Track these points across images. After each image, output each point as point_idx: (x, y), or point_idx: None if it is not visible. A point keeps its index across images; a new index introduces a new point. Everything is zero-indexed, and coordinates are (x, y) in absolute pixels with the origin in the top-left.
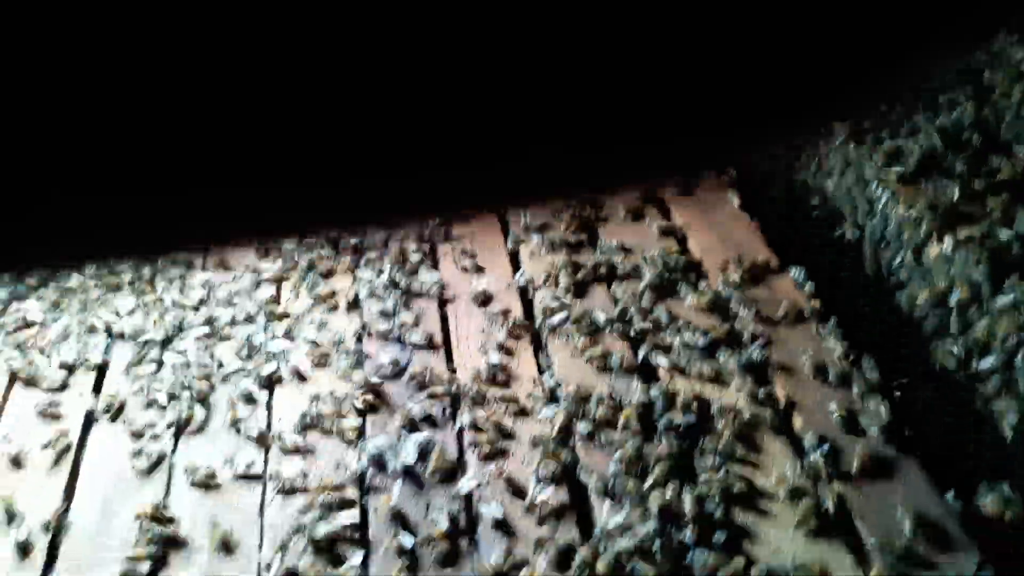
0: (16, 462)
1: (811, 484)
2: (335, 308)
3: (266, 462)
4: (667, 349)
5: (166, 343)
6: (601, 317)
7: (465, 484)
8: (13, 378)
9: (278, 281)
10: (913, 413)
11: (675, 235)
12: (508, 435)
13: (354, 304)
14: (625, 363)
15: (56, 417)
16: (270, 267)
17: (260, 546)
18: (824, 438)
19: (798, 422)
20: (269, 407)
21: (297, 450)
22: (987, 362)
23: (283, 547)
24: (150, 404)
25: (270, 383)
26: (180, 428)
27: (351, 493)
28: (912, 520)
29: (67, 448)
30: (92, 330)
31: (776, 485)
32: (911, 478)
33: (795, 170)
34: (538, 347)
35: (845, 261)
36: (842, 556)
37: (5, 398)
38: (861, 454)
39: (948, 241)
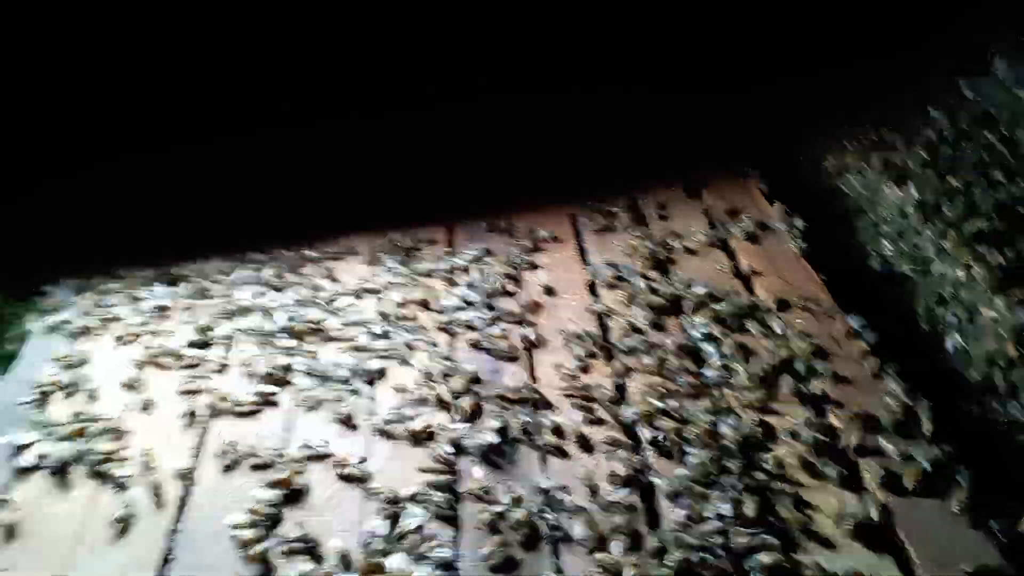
0: (155, 425)
1: (863, 502)
2: (426, 311)
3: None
4: (731, 374)
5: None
6: (669, 342)
7: (544, 480)
8: (152, 358)
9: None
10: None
11: (741, 276)
12: (586, 441)
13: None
14: (691, 387)
15: (192, 392)
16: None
17: (362, 506)
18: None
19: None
20: (372, 398)
21: (392, 437)
22: None
23: (390, 515)
24: (268, 380)
25: (373, 376)
26: (299, 405)
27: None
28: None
29: (193, 415)
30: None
31: (831, 505)
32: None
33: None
34: (613, 367)
35: (899, 309)
36: (888, 565)
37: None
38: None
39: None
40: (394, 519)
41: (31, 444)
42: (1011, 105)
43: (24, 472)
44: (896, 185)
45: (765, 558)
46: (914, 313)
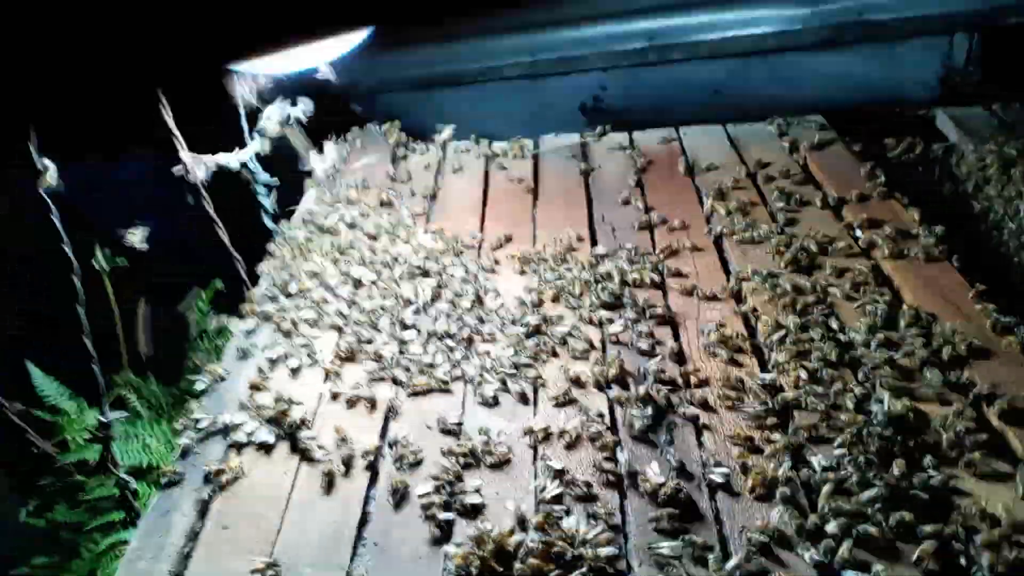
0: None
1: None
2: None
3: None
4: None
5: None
6: (816, 334)
7: (696, 451)
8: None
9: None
10: None
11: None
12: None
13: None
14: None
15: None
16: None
17: (535, 474)
18: None
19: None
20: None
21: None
22: None
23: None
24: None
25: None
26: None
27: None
28: None
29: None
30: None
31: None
32: None
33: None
34: (761, 359)
35: None
36: None
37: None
38: None
39: None
40: (565, 484)
41: (242, 424)
42: None
43: (236, 447)
44: None
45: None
46: None
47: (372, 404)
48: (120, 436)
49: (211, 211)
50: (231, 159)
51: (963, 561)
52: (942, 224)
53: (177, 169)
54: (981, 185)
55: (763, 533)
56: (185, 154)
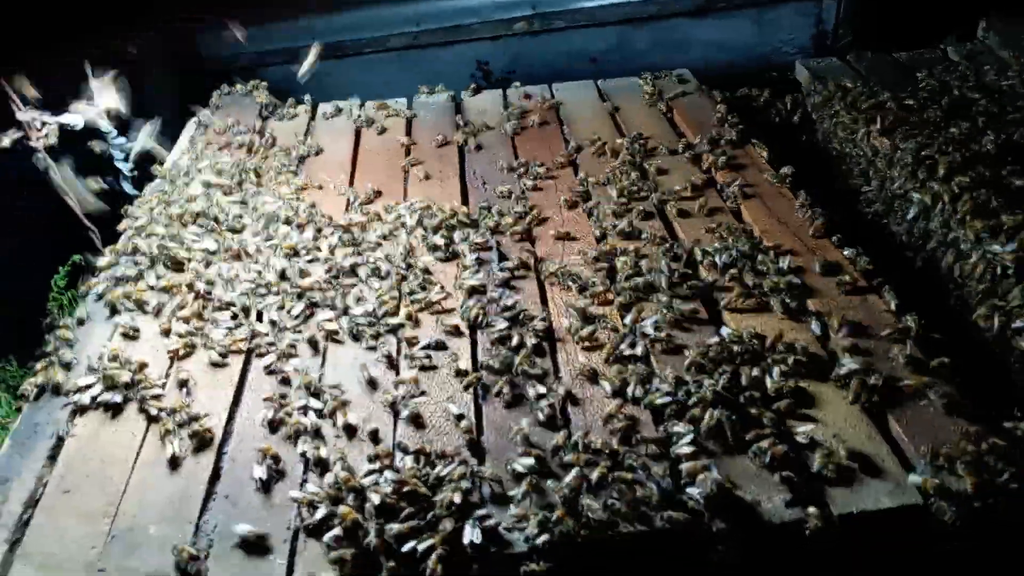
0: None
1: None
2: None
3: None
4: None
5: None
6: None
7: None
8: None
9: None
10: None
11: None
12: None
13: None
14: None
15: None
16: None
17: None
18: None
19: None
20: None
21: None
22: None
23: None
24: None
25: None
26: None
27: None
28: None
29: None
30: None
31: None
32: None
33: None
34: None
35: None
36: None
37: None
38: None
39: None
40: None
41: (88, 386)
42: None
43: (81, 410)
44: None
45: None
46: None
47: (226, 365)
48: None
49: (57, 179)
50: (74, 118)
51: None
52: (792, 164)
53: (8, 134)
54: (830, 126)
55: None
56: (23, 114)
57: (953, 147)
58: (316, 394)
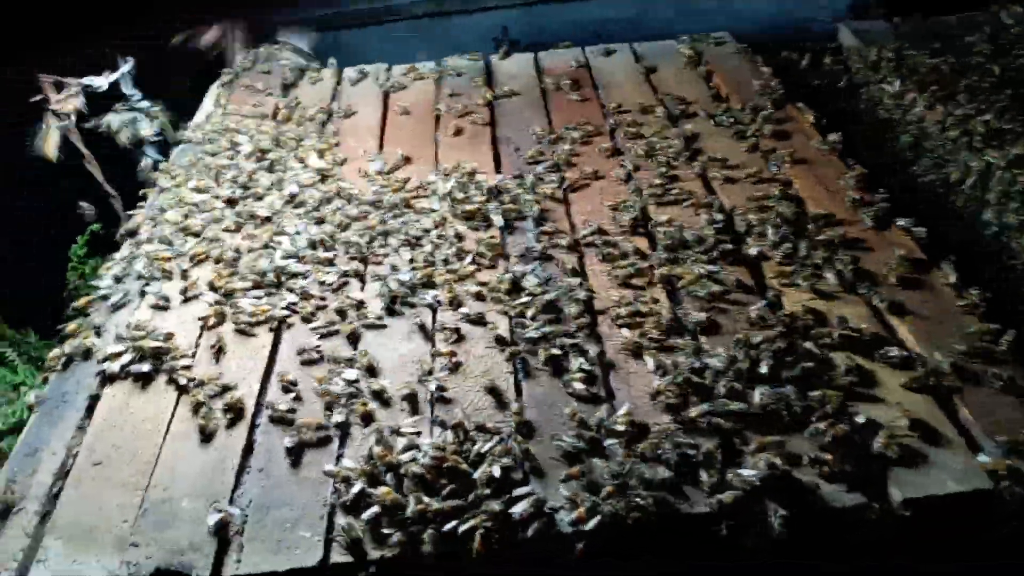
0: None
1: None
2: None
3: None
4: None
5: None
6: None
7: None
8: None
9: None
10: None
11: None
12: None
13: None
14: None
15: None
16: None
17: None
18: None
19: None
20: None
21: None
22: None
23: None
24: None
25: None
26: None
27: None
28: None
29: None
30: None
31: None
32: None
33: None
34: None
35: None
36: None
37: None
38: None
39: None
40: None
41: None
42: None
43: (111, 379)
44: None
45: None
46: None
47: (256, 334)
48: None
49: (80, 145)
50: (100, 80)
51: None
52: (839, 130)
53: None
54: (876, 91)
55: None
56: (45, 77)
57: (1009, 113)
58: (349, 364)
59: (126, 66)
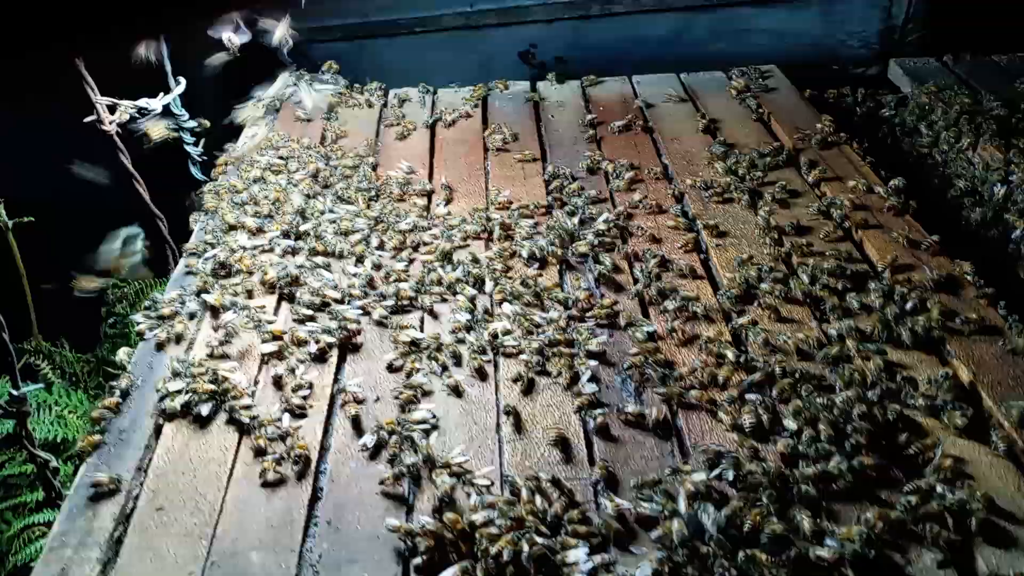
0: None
1: None
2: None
3: None
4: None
5: None
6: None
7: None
8: None
9: None
10: None
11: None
12: None
13: None
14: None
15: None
16: None
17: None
18: None
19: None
20: None
21: None
22: None
23: None
24: None
25: None
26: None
27: None
28: None
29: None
30: None
31: None
32: None
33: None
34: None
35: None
36: None
37: None
38: None
39: None
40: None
41: (176, 392)
42: None
43: (168, 418)
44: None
45: None
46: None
47: (321, 367)
48: (31, 408)
49: (128, 163)
50: (153, 102)
51: None
52: (899, 175)
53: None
54: (932, 136)
55: None
56: (99, 98)
57: None
58: (409, 411)
59: (179, 88)
